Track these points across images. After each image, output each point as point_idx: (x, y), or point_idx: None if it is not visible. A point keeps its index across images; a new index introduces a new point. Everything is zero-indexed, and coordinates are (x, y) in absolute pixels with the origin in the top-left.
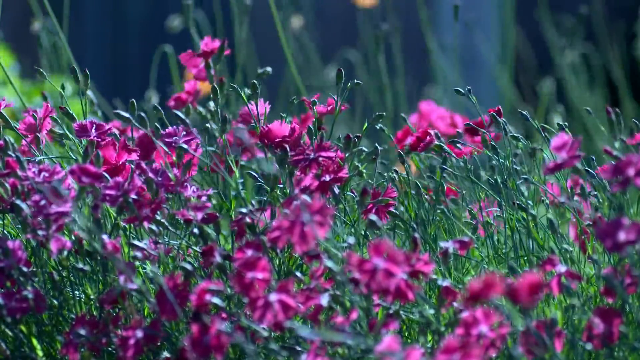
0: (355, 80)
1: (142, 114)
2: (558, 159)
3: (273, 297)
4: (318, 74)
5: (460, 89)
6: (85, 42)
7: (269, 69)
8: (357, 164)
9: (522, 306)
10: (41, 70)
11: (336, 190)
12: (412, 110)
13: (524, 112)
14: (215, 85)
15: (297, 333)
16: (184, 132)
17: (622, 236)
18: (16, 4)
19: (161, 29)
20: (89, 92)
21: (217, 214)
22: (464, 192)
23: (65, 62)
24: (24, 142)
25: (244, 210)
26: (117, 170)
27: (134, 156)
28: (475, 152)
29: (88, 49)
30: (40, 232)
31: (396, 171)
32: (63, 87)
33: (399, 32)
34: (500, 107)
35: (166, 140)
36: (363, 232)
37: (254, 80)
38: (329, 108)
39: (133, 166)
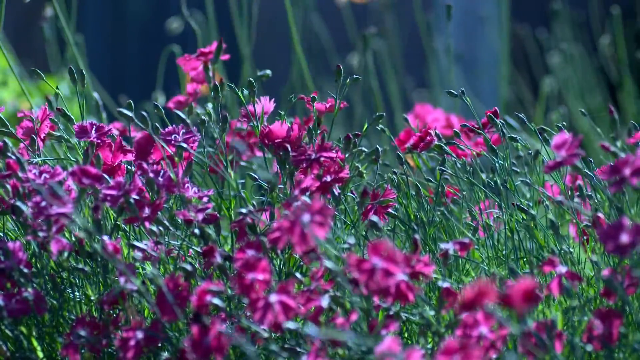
0: (354, 76)
1: (144, 113)
2: (558, 157)
3: (273, 298)
4: (321, 73)
5: (454, 91)
6: (86, 42)
7: (268, 71)
8: (357, 164)
9: (517, 312)
10: (38, 71)
11: (336, 191)
12: (409, 112)
13: (521, 115)
14: (217, 85)
15: (303, 332)
16: (184, 131)
17: (624, 238)
18: (17, 5)
19: (162, 29)
20: (95, 94)
21: (218, 215)
22: (464, 193)
23: (66, 62)
24: (21, 145)
25: (244, 210)
26: (112, 171)
27: (130, 157)
28: (475, 154)
29: (88, 48)
30: (40, 234)
31: (395, 172)
32: (58, 88)
33: (400, 34)
34: (497, 108)
35: (166, 138)
36: (363, 233)
37: (251, 79)
38: (328, 105)
39: (128, 167)
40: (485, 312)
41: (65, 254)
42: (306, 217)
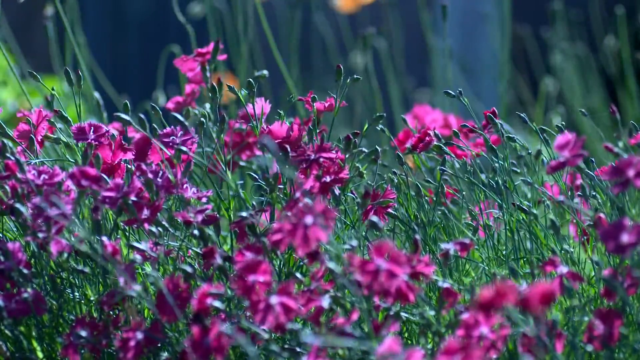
0: (355, 76)
1: (142, 116)
2: (560, 157)
3: (274, 299)
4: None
5: (451, 92)
6: (86, 41)
7: (265, 72)
8: (357, 165)
9: (533, 314)
10: (35, 73)
11: (337, 192)
12: (409, 112)
13: (522, 115)
14: (214, 85)
15: (303, 334)
16: (182, 132)
17: (624, 238)
18: (16, 5)
19: (161, 28)
20: (95, 93)
21: (217, 215)
22: (464, 193)
23: (67, 63)
24: (19, 148)
25: (244, 214)
26: (112, 170)
27: (130, 155)
28: (475, 154)
29: (89, 47)
30: (40, 235)
31: (395, 172)
32: (53, 89)
33: (401, 33)
34: (495, 108)
35: (164, 140)
36: (363, 234)
37: (250, 80)
38: (327, 105)
39: (129, 165)
40: (502, 315)
41: (65, 255)
42: (309, 220)
